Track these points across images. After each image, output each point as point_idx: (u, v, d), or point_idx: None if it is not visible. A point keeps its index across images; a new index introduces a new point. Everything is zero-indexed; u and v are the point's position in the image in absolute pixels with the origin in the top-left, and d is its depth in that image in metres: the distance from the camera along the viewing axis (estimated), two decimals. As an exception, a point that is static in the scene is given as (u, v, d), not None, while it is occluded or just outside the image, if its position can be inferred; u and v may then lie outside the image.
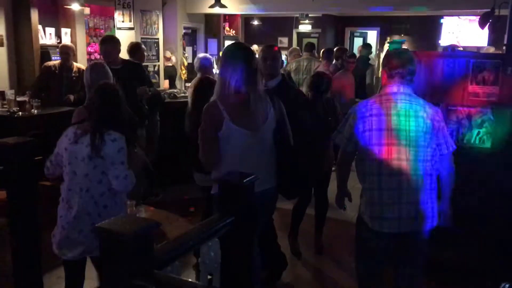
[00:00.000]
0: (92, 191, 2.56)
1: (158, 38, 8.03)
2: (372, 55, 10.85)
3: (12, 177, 2.47)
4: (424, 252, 2.79)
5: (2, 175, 2.46)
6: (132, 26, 7.10)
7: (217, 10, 8.34)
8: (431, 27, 12.36)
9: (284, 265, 3.75)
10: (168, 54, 8.67)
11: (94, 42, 8.69)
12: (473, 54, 4.74)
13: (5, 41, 6.76)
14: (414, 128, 2.60)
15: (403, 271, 2.79)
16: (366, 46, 9.67)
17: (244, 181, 1.83)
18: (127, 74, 4.75)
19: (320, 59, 7.77)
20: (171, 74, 8.69)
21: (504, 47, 4.77)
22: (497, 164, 3.97)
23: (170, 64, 8.71)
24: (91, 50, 8.71)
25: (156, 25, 7.86)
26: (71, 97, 6.14)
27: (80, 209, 2.55)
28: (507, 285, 1.98)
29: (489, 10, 4.96)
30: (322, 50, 7.99)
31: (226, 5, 8.10)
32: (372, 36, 14.16)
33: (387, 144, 2.59)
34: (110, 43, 5.07)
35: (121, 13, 7.03)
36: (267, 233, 3.44)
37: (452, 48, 4.62)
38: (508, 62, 3.95)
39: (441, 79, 4.18)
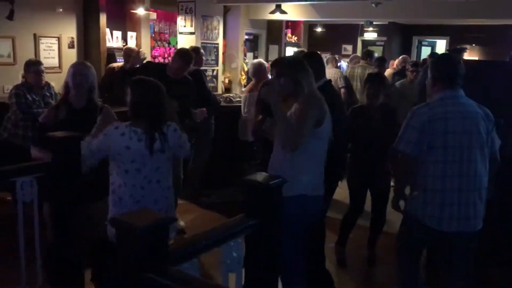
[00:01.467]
0: (162, 181, 2.68)
1: (218, 43, 8.17)
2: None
3: (60, 169, 2.58)
4: (473, 253, 2.86)
5: (50, 167, 2.57)
6: (193, 31, 7.28)
7: (278, 16, 8.35)
8: (506, 36, 11.69)
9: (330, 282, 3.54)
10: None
11: (158, 46, 9.01)
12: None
13: (75, 43, 7.16)
14: (478, 129, 2.70)
15: (455, 270, 2.86)
16: (433, 56, 9.31)
17: (271, 182, 1.79)
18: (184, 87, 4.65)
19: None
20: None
21: None
22: None
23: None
24: (156, 54, 9.03)
25: (216, 31, 8.01)
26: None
27: (149, 199, 2.59)
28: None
29: None
30: (375, 58, 7.77)
31: (287, 12, 8.09)
32: (441, 45, 13.61)
33: (453, 147, 2.66)
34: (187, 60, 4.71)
35: (183, 18, 7.23)
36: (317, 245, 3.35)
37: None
38: None
39: (501, 90, 3.92)
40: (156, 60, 8.99)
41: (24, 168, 2.47)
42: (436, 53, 9.85)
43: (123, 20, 7.91)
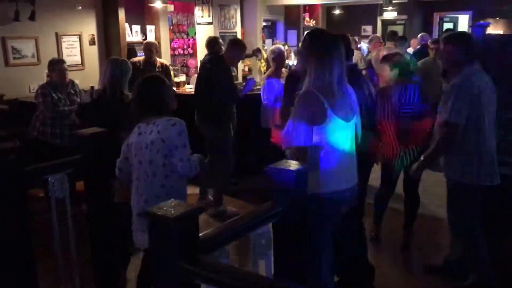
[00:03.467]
0: (158, 175, 2.67)
1: (236, 32, 8.18)
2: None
3: (88, 166, 2.65)
4: None
5: (79, 163, 2.64)
6: (211, 21, 7.29)
7: (295, 0, 8.28)
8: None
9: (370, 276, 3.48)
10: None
11: (177, 38, 9.05)
12: None
13: (96, 40, 7.26)
14: (495, 96, 3.13)
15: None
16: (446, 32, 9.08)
17: (297, 169, 1.81)
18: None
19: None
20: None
21: None
22: None
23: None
24: (175, 46, 9.09)
25: (234, 19, 8.00)
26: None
27: (149, 193, 2.67)
28: None
29: None
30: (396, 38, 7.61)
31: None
32: (463, 20, 13.26)
33: (486, 114, 3.05)
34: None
35: (200, 8, 7.25)
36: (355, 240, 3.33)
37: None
38: None
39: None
40: (176, 52, 9.06)
41: (55, 165, 2.54)
42: (450, 29, 9.57)
43: (141, 14, 7.98)
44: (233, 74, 8.04)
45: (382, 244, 4.24)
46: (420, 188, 4.15)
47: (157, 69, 6.61)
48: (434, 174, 4.88)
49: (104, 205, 2.72)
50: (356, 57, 7.48)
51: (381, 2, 12.12)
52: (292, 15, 10.54)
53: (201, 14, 7.28)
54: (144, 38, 7.82)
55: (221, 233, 1.55)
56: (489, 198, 3.27)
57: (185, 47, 9.29)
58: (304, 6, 10.73)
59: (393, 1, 11.96)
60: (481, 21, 11.75)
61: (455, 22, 13.62)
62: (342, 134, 2.52)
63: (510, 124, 3.80)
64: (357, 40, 8.84)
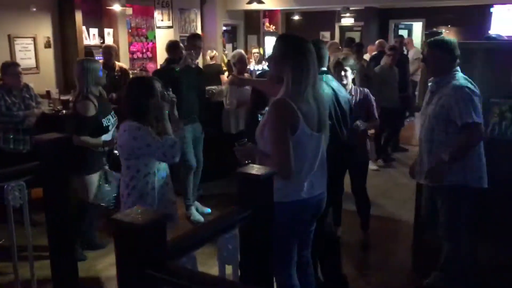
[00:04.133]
0: (124, 175, 2.86)
1: (203, 35, 8.18)
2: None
3: (47, 171, 2.56)
4: None
5: (38, 170, 2.55)
6: (171, 25, 7.23)
7: (255, 6, 8.34)
8: (480, 16, 11.84)
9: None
10: (211, 53, 8.68)
11: (136, 41, 8.92)
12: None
13: (52, 43, 7.06)
14: None
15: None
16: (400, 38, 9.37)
17: (262, 174, 1.82)
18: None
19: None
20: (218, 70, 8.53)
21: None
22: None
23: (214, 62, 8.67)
24: (134, 49, 8.95)
25: (194, 23, 7.96)
26: (114, 95, 6.34)
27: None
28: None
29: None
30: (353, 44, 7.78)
31: (264, 1, 8.09)
32: (417, 28, 13.73)
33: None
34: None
35: (160, 12, 7.17)
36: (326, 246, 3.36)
37: (489, 37, 4.41)
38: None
39: (480, 70, 4.00)
40: (135, 56, 8.92)
41: (11, 172, 2.44)
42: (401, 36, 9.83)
43: (99, 17, 7.82)
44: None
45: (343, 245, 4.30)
46: (378, 191, 4.26)
47: (116, 73, 6.50)
48: (392, 177, 5.02)
49: (65, 214, 2.63)
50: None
51: (339, 9, 12.41)
52: (252, 20, 10.60)
53: (161, 18, 7.21)
54: (102, 41, 7.67)
55: (189, 239, 1.54)
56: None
57: (144, 50, 9.16)
58: (264, 11, 10.81)
59: (350, 8, 12.25)
60: (434, 29, 12.23)
61: (410, 29, 14.08)
62: (311, 143, 2.45)
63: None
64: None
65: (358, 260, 4.12)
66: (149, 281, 1.38)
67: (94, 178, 3.79)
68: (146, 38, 9.03)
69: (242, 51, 6.32)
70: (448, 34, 12.55)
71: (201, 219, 4.77)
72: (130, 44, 8.67)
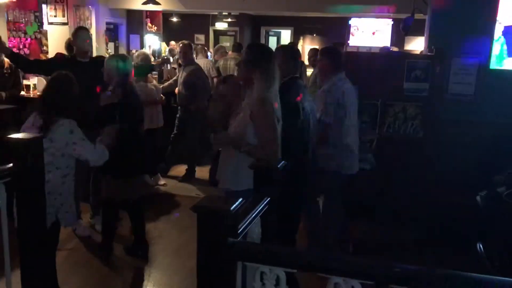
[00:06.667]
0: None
1: (91, 34, 7.87)
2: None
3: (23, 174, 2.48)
4: None
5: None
6: (66, 21, 6.90)
7: (136, 5, 8.37)
8: (340, 27, 13.26)
9: None
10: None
11: (13, 36, 8.25)
12: (407, 55, 5.39)
13: None
14: (356, 100, 3.90)
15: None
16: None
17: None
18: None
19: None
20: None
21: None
22: (429, 151, 4.63)
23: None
24: (10, 45, 8.26)
25: (89, 21, 7.68)
26: (3, 94, 5.89)
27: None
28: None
29: (409, 15, 5.63)
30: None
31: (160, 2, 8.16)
32: (286, 35, 14.84)
33: (348, 114, 3.72)
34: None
35: (53, 7, 6.79)
36: None
37: (385, 49, 5.22)
38: (436, 62, 4.61)
39: (378, 77, 4.73)
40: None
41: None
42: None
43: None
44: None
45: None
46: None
47: (5, 70, 6.03)
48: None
49: (39, 225, 2.54)
50: (207, 64, 7.89)
51: (216, 13, 12.84)
52: (134, 19, 10.45)
53: (53, 14, 6.81)
54: (-22, 35, 6.98)
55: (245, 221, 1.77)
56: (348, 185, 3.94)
57: (21, 46, 8.51)
58: (146, 11, 10.74)
59: (224, 14, 12.78)
60: (307, 38, 13.34)
61: (278, 36, 15.14)
62: None
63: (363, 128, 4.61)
64: (206, 48, 9.27)
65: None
66: (230, 249, 1.57)
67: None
68: (25, 33, 8.40)
69: (147, 51, 6.35)
70: (312, 42, 13.82)
71: None
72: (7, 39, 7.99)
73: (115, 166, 3.45)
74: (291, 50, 3.70)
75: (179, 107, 6.38)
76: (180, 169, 6.54)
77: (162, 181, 6.08)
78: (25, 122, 3.01)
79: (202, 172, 6.35)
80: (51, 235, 2.89)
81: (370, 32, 12.86)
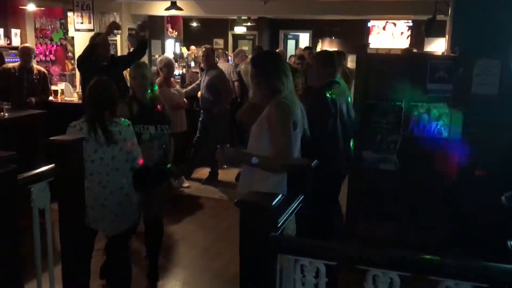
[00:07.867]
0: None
1: (116, 40, 8.05)
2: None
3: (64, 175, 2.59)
4: None
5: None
6: (92, 28, 7.09)
7: (157, 11, 8.55)
8: (359, 29, 13.29)
9: None
10: None
11: (40, 43, 8.48)
12: (429, 56, 5.41)
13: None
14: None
15: None
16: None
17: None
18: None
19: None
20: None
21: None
22: (453, 151, 4.64)
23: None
24: (37, 52, 8.49)
25: (114, 27, 7.83)
26: (33, 99, 6.08)
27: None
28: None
29: (431, 16, 5.66)
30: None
31: (182, 8, 8.31)
32: (304, 38, 14.89)
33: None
34: None
35: (79, 14, 7.00)
36: None
37: (409, 51, 5.26)
38: (459, 63, 4.62)
39: (401, 79, 4.76)
40: (37, 59, 8.47)
41: (36, 174, 2.44)
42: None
43: (4, 16, 7.32)
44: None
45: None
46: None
47: (34, 76, 6.23)
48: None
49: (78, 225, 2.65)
50: (228, 68, 7.99)
51: (235, 17, 12.98)
52: (156, 25, 10.62)
53: (80, 20, 7.02)
54: (8, 42, 7.21)
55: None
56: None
57: (47, 53, 8.73)
58: (167, 17, 10.91)
59: (243, 18, 12.91)
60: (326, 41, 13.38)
61: (297, 39, 15.20)
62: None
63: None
64: (227, 53, 9.40)
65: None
66: (271, 242, 1.65)
67: None
68: (51, 40, 8.62)
69: (169, 56, 6.48)
70: (331, 45, 13.87)
71: None
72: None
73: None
74: (325, 55, 3.80)
75: (201, 111, 6.50)
76: (204, 172, 6.66)
77: (186, 184, 6.20)
78: (67, 127, 3.00)
79: (225, 174, 6.46)
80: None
81: (389, 34, 12.89)
